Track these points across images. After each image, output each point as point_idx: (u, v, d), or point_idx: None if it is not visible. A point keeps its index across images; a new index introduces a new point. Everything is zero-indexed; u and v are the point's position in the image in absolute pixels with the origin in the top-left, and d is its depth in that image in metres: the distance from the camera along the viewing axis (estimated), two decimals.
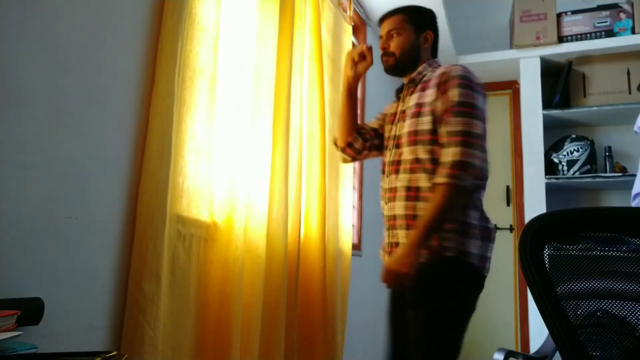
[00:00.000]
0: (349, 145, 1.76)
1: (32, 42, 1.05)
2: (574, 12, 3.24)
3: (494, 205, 3.83)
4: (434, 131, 1.48)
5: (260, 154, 1.74)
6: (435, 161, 1.46)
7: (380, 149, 1.75)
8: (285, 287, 1.79)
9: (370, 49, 1.71)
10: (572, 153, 3.12)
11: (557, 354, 0.97)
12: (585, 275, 0.94)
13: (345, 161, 1.86)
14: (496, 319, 3.68)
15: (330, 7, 2.47)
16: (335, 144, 1.81)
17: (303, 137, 2.11)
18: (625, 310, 0.90)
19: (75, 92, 1.15)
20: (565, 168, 3.12)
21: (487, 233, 1.55)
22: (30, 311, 0.96)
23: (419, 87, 1.60)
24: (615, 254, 0.90)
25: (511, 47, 3.43)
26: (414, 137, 1.51)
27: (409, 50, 1.65)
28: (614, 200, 3.25)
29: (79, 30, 1.16)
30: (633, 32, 3.10)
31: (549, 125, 3.27)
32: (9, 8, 1.01)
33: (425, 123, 1.50)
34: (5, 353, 0.84)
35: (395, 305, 1.64)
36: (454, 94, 1.45)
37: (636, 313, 0.89)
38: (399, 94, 1.70)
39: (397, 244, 1.52)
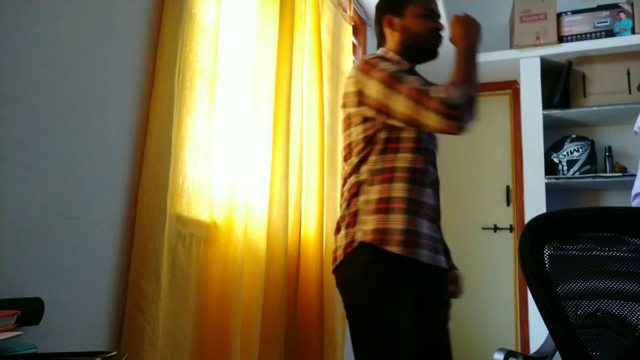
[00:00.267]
0: None
1: (32, 42, 1.05)
2: (574, 12, 3.24)
3: (494, 205, 3.83)
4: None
5: (261, 154, 1.74)
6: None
7: None
8: (285, 288, 1.79)
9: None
10: (572, 153, 3.12)
11: (557, 354, 0.96)
12: (585, 275, 0.94)
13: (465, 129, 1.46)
14: (496, 319, 3.68)
15: (330, 7, 2.47)
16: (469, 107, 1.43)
17: (303, 137, 2.11)
18: (625, 310, 0.90)
19: (76, 92, 1.15)
20: (565, 168, 3.12)
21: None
22: (30, 311, 0.96)
23: None
24: (615, 254, 0.90)
25: (511, 47, 3.43)
26: None
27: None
28: (614, 200, 3.25)
29: (79, 30, 1.16)
30: (633, 32, 3.09)
31: (549, 125, 3.27)
32: (8, 8, 1.01)
33: None
34: (5, 353, 0.84)
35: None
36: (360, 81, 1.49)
37: (636, 313, 0.89)
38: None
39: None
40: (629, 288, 0.90)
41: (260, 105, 1.74)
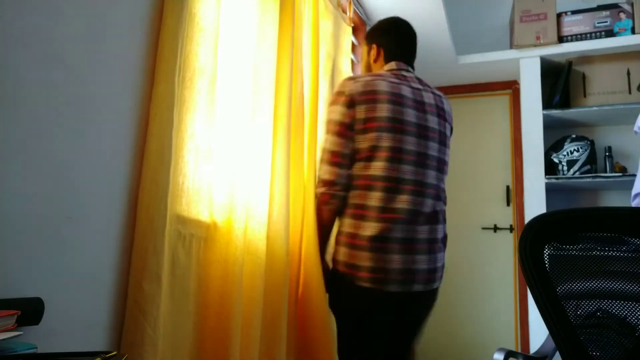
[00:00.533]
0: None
1: (32, 42, 1.05)
2: (574, 12, 3.24)
3: (494, 205, 3.83)
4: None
5: (261, 154, 1.74)
6: None
7: None
8: (286, 288, 1.79)
9: None
10: (572, 153, 3.12)
11: (557, 354, 0.96)
12: (585, 275, 0.94)
13: None
14: (496, 319, 3.68)
15: (330, 8, 2.47)
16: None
17: (304, 137, 2.11)
18: (625, 310, 0.90)
19: (75, 92, 1.15)
20: (565, 168, 3.12)
21: (352, 240, 1.58)
22: (30, 311, 0.96)
23: None
24: (615, 254, 0.90)
25: (511, 47, 3.43)
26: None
27: (363, 71, 1.84)
28: (614, 200, 3.25)
29: (79, 30, 1.16)
30: (633, 32, 3.09)
31: (549, 125, 3.27)
32: (8, 8, 1.01)
33: None
34: (5, 353, 0.84)
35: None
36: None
37: (636, 313, 0.89)
38: None
39: (435, 240, 1.59)
40: (629, 288, 0.90)
41: (260, 105, 1.74)
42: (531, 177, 3.14)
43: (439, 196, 1.61)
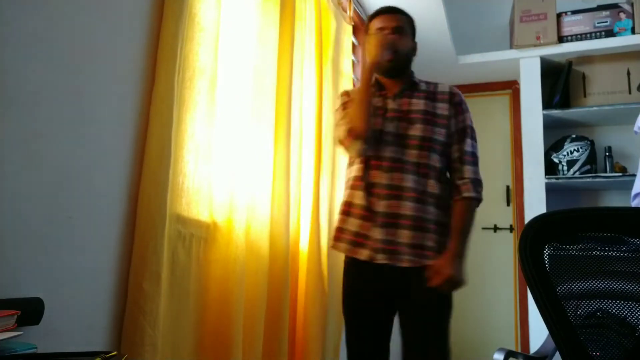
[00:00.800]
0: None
1: (32, 42, 1.05)
2: (574, 12, 3.24)
3: (494, 205, 3.83)
4: (446, 144, 1.65)
5: (262, 154, 1.74)
6: (442, 170, 1.65)
7: None
8: (288, 287, 1.79)
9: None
10: (572, 153, 3.12)
11: (557, 354, 0.96)
12: (585, 275, 0.94)
13: (363, 153, 1.65)
14: (496, 319, 3.68)
15: (330, 7, 2.47)
16: (353, 135, 1.62)
17: (304, 137, 2.11)
18: (625, 310, 0.90)
19: (76, 92, 1.15)
20: (565, 168, 3.11)
21: None
22: (30, 311, 0.96)
23: (420, 94, 1.69)
24: (615, 254, 0.90)
25: (511, 47, 3.43)
26: (429, 144, 1.62)
27: (410, 54, 1.73)
28: (614, 200, 3.25)
29: (79, 30, 1.16)
30: (633, 32, 3.09)
31: (549, 125, 3.27)
32: (8, 7, 1.01)
33: (440, 134, 1.64)
34: (5, 353, 0.84)
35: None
36: (468, 117, 1.71)
37: (636, 313, 0.89)
38: (381, 91, 1.73)
39: (396, 243, 1.56)
40: (629, 288, 0.90)
41: (260, 105, 1.74)
42: (531, 177, 3.14)
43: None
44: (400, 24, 1.70)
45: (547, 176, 3.11)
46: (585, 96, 3.18)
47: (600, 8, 3.20)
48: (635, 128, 2.10)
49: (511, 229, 3.76)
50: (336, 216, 1.73)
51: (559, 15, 3.25)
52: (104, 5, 1.23)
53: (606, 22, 3.16)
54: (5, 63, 1.00)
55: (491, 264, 3.73)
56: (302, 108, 2.09)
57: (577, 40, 3.20)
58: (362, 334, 1.62)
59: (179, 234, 1.38)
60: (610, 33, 3.14)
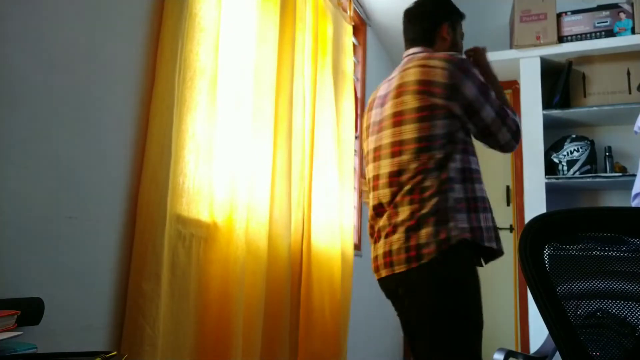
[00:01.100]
0: None
1: (32, 42, 1.05)
2: (574, 12, 3.24)
3: (494, 205, 3.81)
4: None
5: (262, 153, 1.74)
6: None
7: None
8: (288, 287, 1.79)
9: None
10: (572, 153, 3.12)
11: (557, 354, 0.96)
12: (585, 275, 0.94)
13: None
14: (496, 319, 3.68)
15: (330, 7, 2.47)
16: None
17: (306, 137, 2.11)
18: (625, 310, 0.90)
19: (76, 92, 1.15)
20: (565, 168, 3.11)
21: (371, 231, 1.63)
22: (30, 311, 0.96)
23: None
24: (615, 254, 0.90)
25: (511, 47, 3.43)
26: None
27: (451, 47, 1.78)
28: (614, 200, 3.25)
29: (79, 30, 1.16)
30: (633, 32, 3.09)
31: (549, 125, 3.27)
32: (8, 8, 1.01)
33: None
34: (5, 353, 0.84)
35: None
36: None
37: (636, 313, 0.89)
38: None
39: (389, 224, 1.48)
40: (629, 288, 0.90)
41: (261, 105, 1.74)
42: (531, 177, 3.14)
43: (397, 181, 1.47)
44: None
45: (547, 176, 3.11)
46: (585, 96, 3.18)
47: (600, 8, 3.20)
48: (635, 128, 2.10)
49: (511, 229, 3.76)
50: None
51: (559, 15, 3.25)
52: (104, 5, 1.23)
53: (606, 22, 3.16)
54: (6, 63, 1.00)
55: (491, 264, 3.72)
56: (303, 108, 2.09)
57: (577, 40, 3.20)
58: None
59: (179, 234, 1.38)
60: (610, 33, 3.14)
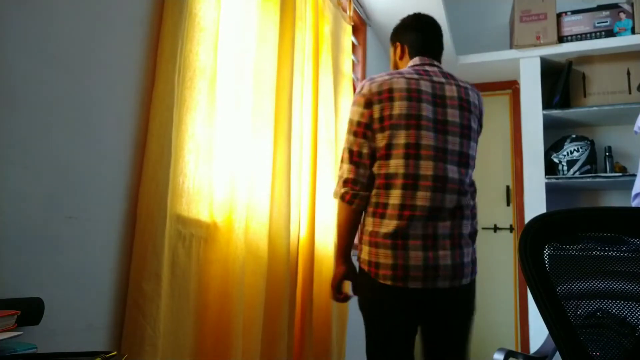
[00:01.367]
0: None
1: (32, 42, 1.05)
2: (574, 12, 3.24)
3: (494, 205, 3.83)
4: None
5: (262, 153, 1.74)
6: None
7: None
8: (288, 288, 1.79)
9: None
10: (572, 153, 3.12)
11: (557, 354, 0.96)
12: (585, 275, 0.94)
13: None
14: (496, 319, 3.68)
15: (330, 7, 2.47)
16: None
17: (304, 137, 2.11)
18: (625, 310, 0.90)
19: (75, 92, 1.15)
20: (565, 168, 3.12)
21: (374, 238, 1.55)
22: (30, 311, 0.96)
23: None
24: (615, 254, 0.90)
25: (511, 47, 3.43)
26: None
27: (393, 67, 1.83)
28: (614, 200, 3.25)
29: (79, 30, 1.16)
30: (633, 32, 3.10)
31: (549, 125, 3.27)
32: (8, 8, 1.01)
33: None
34: (5, 353, 0.84)
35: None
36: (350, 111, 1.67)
37: (636, 313, 0.89)
38: None
39: (461, 235, 1.57)
40: (629, 288, 0.90)
41: (261, 105, 1.74)
42: (531, 177, 3.14)
43: (463, 190, 1.55)
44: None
45: (547, 176, 3.11)
46: (585, 96, 3.18)
47: (600, 8, 3.21)
48: (635, 128, 2.11)
49: (511, 229, 3.76)
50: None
51: (559, 15, 3.25)
52: (104, 5, 1.23)
53: (606, 22, 3.17)
54: (6, 63, 1.00)
55: (491, 264, 3.73)
56: (302, 108, 2.09)
57: (577, 40, 3.20)
58: None
59: (179, 234, 1.38)
60: (610, 33, 3.14)
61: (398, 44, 1.78)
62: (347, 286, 1.71)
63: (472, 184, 1.65)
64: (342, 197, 1.58)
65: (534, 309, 2.93)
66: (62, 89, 1.12)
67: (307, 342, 2.00)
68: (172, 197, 1.33)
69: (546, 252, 0.92)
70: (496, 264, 3.73)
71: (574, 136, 3.16)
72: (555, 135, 3.25)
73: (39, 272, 1.05)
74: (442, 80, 1.63)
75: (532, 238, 0.92)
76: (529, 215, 3.10)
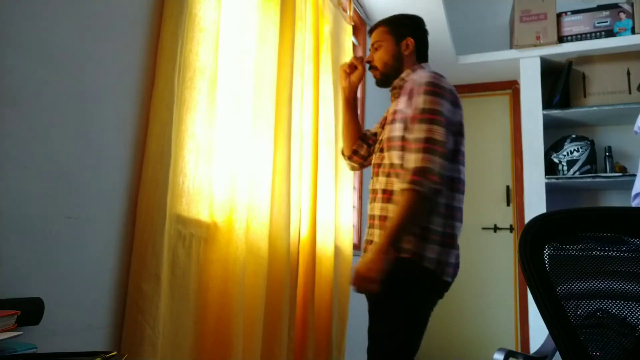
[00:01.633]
0: (355, 152, 1.84)
1: (32, 42, 1.05)
2: (574, 12, 3.24)
3: (494, 205, 3.83)
4: (403, 137, 1.55)
5: (262, 153, 1.74)
6: (401, 165, 1.55)
7: None
8: (288, 288, 1.79)
9: (360, 59, 1.81)
10: (572, 153, 3.12)
11: (557, 354, 0.96)
12: (585, 275, 0.94)
13: (353, 169, 1.92)
14: (496, 319, 3.68)
15: (330, 7, 2.47)
16: (343, 153, 1.89)
17: (304, 137, 2.12)
18: (625, 310, 0.90)
19: (76, 92, 1.15)
20: (565, 168, 3.12)
21: (449, 240, 1.54)
22: (30, 311, 0.96)
23: (401, 93, 1.67)
24: (615, 254, 0.90)
25: (511, 47, 3.43)
26: (389, 143, 1.59)
27: (390, 61, 1.72)
28: (614, 200, 3.25)
29: (79, 30, 1.16)
30: (633, 32, 3.10)
31: (549, 125, 3.27)
32: (8, 8, 1.01)
33: (397, 129, 1.57)
34: (5, 353, 0.84)
35: None
36: (419, 101, 1.52)
37: (636, 313, 0.89)
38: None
39: (371, 242, 1.59)
40: (629, 288, 0.90)
41: (261, 105, 1.74)
42: (531, 177, 3.14)
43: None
44: (376, 39, 1.74)
45: (547, 176, 3.11)
46: (585, 96, 3.18)
47: (600, 8, 3.21)
48: (635, 128, 2.10)
49: (511, 229, 3.76)
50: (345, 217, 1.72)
51: (559, 15, 3.25)
52: (104, 5, 1.23)
53: (606, 22, 3.16)
54: (6, 63, 1.00)
55: (491, 264, 3.73)
56: (302, 108, 2.09)
57: (577, 40, 3.20)
58: None
59: (179, 234, 1.38)
60: (610, 33, 3.14)
61: (410, 39, 1.72)
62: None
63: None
64: (429, 191, 1.45)
65: (534, 309, 2.93)
66: (62, 89, 1.12)
67: (308, 343, 2.00)
68: (172, 197, 1.33)
69: (546, 252, 0.92)
70: (496, 264, 3.73)
71: (574, 136, 3.16)
72: (555, 135, 3.25)
73: (39, 272, 1.05)
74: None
75: (532, 238, 0.92)
76: (529, 215, 3.10)
